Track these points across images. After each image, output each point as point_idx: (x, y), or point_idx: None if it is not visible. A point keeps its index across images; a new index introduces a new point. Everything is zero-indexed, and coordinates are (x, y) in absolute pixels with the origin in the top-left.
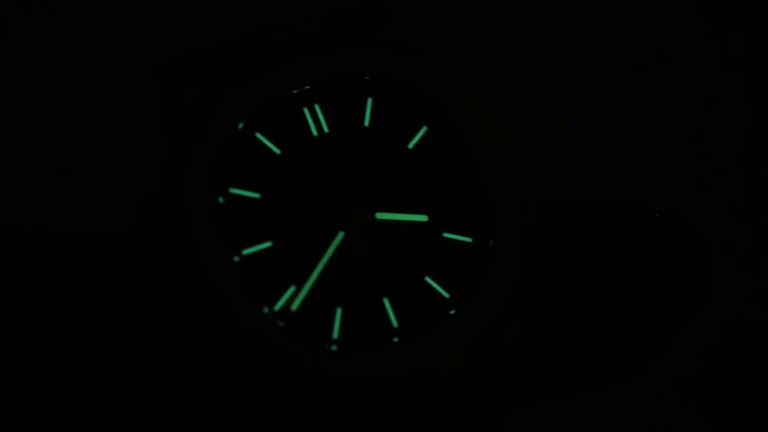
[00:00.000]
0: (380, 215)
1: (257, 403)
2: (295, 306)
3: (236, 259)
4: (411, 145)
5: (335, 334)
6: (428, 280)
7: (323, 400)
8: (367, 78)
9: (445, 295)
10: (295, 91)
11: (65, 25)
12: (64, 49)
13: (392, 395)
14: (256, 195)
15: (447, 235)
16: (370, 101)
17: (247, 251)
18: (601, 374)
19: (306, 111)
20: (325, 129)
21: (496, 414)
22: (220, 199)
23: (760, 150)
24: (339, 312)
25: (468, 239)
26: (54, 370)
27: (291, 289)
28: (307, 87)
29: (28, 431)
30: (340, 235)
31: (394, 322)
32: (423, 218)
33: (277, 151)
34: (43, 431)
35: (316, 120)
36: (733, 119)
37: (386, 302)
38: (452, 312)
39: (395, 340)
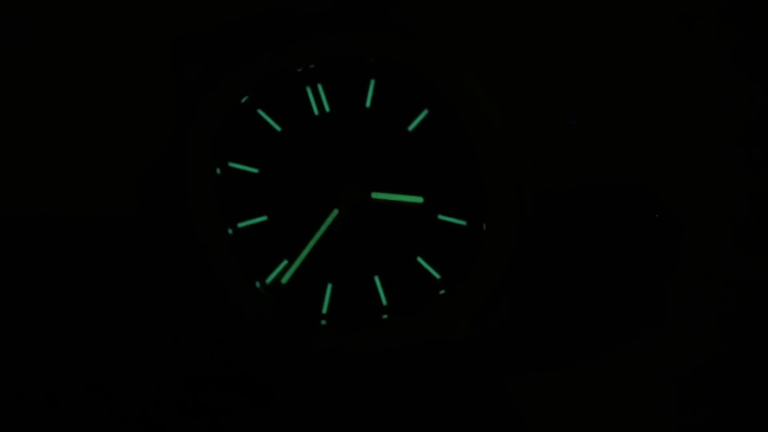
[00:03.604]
0: (376, 195)
1: (247, 372)
2: (285, 279)
3: (230, 231)
4: (411, 127)
5: (324, 309)
6: (420, 260)
7: (312, 373)
8: (371, 60)
9: (436, 275)
10: (299, 70)
11: (68, 5)
12: (66, 31)
13: (383, 369)
14: (254, 170)
15: (442, 217)
16: (372, 83)
17: (242, 224)
18: (591, 359)
19: (308, 90)
20: (327, 108)
21: (487, 389)
22: (218, 171)
23: (758, 152)
24: (329, 287)
25: (462, 222)
26: (50, 355)
27: (283, 263)
28: (311, 66)
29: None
30: (335, 212)
31: (384, 300)
32: (419, 200)
33: (277, 128)
34: (43, 415)
35: (317, 99)
36: (732, 115)
37: (377, 280)
38: (442, 292)
39: (384, 317)
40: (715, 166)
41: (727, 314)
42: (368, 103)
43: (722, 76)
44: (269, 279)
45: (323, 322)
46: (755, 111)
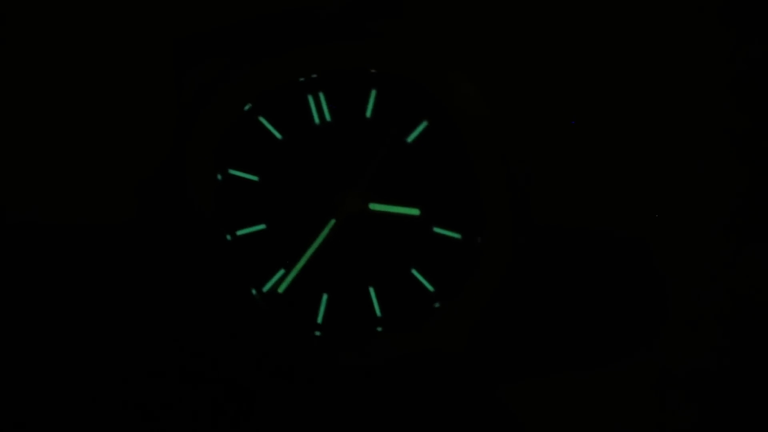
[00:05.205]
0: (373, 206)
1: (240, 381)
2: (281, 289)
3: (229, 238)
4: (410, 138)
5: (320, 319)
6: (415, 272)
7: (306, 383)
8: (372, 71)
9: (430, 288)
10: (301, 79)
11: (71, 6)
12: (68, 33)
13: (378, 381)
14: (254, 178)
15: (437, 229)
16: (373, 93)
17: (241, 232)
18: (586, 368)
19: (310, 98)
20: (327, 118)
21: (480, 401)
22: (219, 177)
23: (755, 151)
24: (325, 298)
25: (457, 235)
26: (51, 359)
27: (280, 272)
28: (314, 75)
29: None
30: (332, 222)
31: (378, 312)
32: (415, 212)
33: (278, 136)
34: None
35: (319, 108)
36: (729, 113)
37: (372, 291)
38: (436, 305)
39: (379, 329)
40: (712, 165)
41: (725, 317)
42: (368, 114)
43: (720, 76)
44: (266, 288)
45: (318, 333)
46: (755, 113)
